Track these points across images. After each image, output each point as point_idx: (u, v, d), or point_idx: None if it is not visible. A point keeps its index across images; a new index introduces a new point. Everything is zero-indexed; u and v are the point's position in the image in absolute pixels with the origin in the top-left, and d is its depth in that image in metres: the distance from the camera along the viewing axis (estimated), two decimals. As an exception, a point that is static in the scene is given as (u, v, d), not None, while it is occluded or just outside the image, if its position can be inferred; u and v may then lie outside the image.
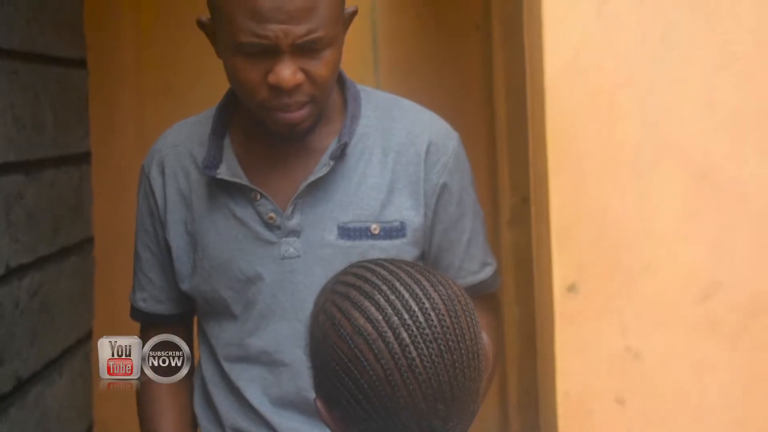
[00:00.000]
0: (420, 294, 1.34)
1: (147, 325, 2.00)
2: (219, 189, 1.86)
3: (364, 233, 1.83)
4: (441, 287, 1.36)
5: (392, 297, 1.33)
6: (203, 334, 1.93)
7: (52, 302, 3.01)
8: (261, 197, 1.83)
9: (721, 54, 1.74)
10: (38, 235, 2.90)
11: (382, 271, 1.37)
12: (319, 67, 1.73)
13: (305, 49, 1.71)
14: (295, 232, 1.83)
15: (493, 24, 3.27)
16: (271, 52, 1.71)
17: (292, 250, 1.83)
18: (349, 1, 1.81)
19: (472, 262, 1.93)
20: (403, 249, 1.85)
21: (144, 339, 1.99)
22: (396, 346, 1.31)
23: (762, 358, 1.76)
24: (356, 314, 1.33)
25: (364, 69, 3.42)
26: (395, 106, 1.93)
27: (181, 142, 1.92)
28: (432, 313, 1.33)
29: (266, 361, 1.86)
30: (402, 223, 1.85)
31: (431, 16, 3.48)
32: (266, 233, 1.84)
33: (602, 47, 1.74)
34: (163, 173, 1.91)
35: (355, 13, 1.82)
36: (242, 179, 1.84)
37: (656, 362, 1.77)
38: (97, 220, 3.43)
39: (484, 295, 1.94)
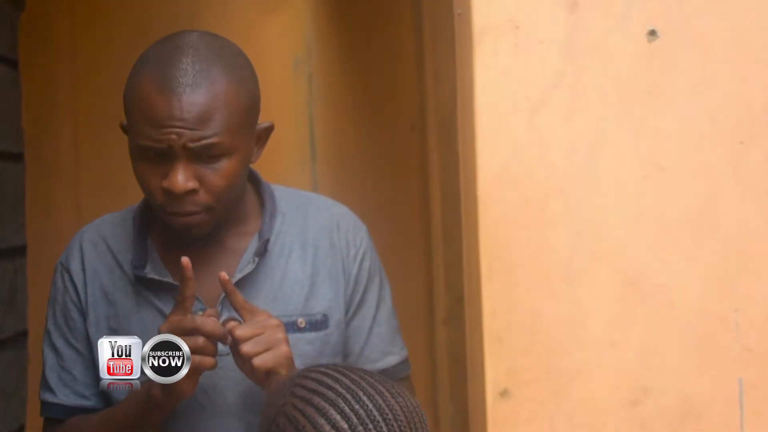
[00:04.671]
0: (382, 404, 1.37)
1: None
2: (144, 288, 1.89)
3: (291, 327, 1.87)
4: (401, 398, 1.39)
5: (356, 406, 1.36)
6: None
7: (-16, 397, 2.98)
8: None
9: (648, 165, 1.78)
10: (-29, 330, 2.88)
11: (344, 380, 1.40)
12: (215, 176, 1.78)
13: (200, 156, 1.77)
14: None
15: (429, 125, 3.32)
16: (167, 157, 1.77)
17: (221, 347, 1.83)
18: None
19: (373, 350, 1.96)
20: (326, 340, 1.90)
21: None
22: None
23: (690, 463, 1.78)
24: (321, 421, 1.36)
25: (302, 165, 3.45)
26: (308, 202, 2.00)
27: (100, 241, 1.96)
28: (394, 424, 1.36)
29: None
30: (324, 315, 1.91)
31: (368, 115, 3.53)
32: None
33: (533, 157, 1.78)
34: (83, 270, 1.94)
35: (270, 128, 1.89)
36: (169, 279, 1.88)
37: (587, 467, 1.79)
38: (31, 314, 3.40)
39: None
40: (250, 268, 1.87)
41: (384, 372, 1.96)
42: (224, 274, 1.79)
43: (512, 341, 1.79)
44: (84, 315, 1.93)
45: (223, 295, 1.85)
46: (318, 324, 1.90)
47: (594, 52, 1.78)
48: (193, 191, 1.78)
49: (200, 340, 1.74)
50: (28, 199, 3.38)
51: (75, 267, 1.95)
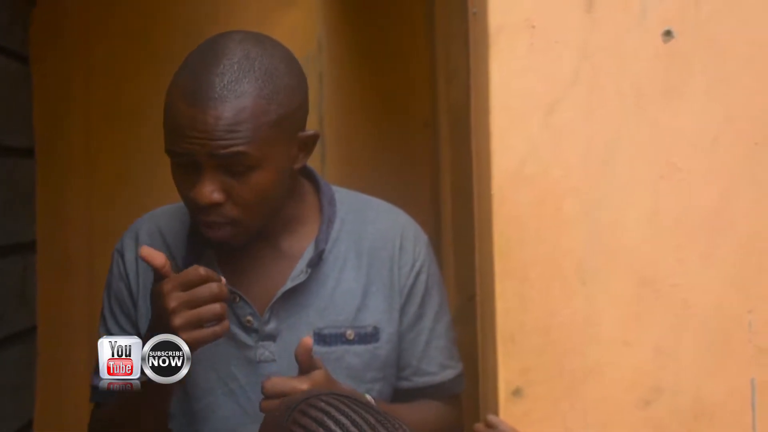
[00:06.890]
0: None
1: None
2: None
3: (339, 339, 1.86)
4: None
5: None
6: None
7: (-6, 392, 2.99)
8: (239, 299, 1.86)
9: (664, 165, 1.78)
10: (-18, 325, 2.88)
11: (345, 421, 1.35)
12: (243, 189, 1.75)
13: (227, 167, 1.73)
14: (271, 337, 1.85)
15: (441, 121, 3.31)
16: (196, 166, 1.74)
17: (267, 353, 1.85)
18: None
19: (430, 364, 1.95)
20: (375, 353, 1.89)
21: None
22: None
23: (703, 464, 1.78)
24: None
25: (311, 163, 3.44)
26: (367, 207, 1.97)
27: (156, 232, 1.95)
28: None
29: None
30: (375, 327, 1.89)
31: (380, 111, 3.52)
32: (243, 335, 1.86)
33: (548, 157, 1.78)
34: (137, 260, 1.93)
35: (314, 136, 1.84)
36: None
37: (600, 466, 1.79)
38: (40, 309, 3.40)
39: (445, 396, 1.97)
40: (302, 278, 1.86)
41: (441, 386, 1.96)
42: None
43: (525, 340, 1.79)
44: (135, 305, 1.93)
45: (273, 300, 1.85)
46: (367, 337, 1.89)
47: (610, 52, 1.78)
48: (219, 204, 1.75)
49: (218, 307, 1.68)
50: (38, 194, 3.39)
51: (129, 256, 1.94)
